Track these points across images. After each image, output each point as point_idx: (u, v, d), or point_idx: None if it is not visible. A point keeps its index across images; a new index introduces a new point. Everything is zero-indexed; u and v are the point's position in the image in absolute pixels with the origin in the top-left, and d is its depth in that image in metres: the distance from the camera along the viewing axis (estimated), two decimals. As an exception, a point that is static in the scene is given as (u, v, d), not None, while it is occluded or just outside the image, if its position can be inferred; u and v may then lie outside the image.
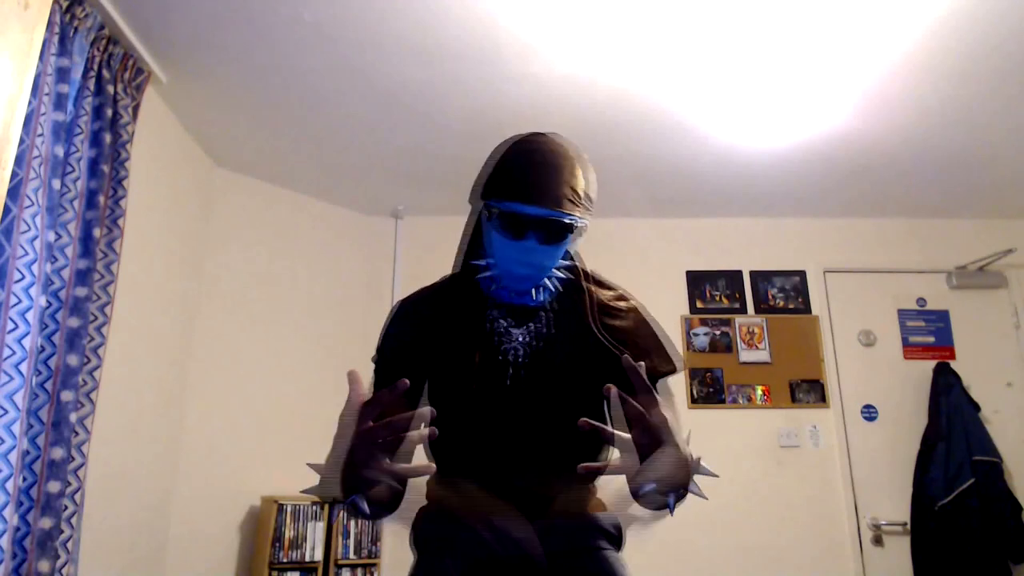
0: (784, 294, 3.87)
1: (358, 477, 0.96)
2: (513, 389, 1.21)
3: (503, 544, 1.19)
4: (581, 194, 1.18)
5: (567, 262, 1.27)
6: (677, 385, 3.70)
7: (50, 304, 2.11)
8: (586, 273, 1.31)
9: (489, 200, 1.20)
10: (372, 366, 1.32)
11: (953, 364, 3.62)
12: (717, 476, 1.03)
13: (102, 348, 2.28)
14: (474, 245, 1.28)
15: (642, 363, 0.96)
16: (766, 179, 3.52)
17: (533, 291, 1.24)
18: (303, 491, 1.07)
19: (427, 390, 1.28)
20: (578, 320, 1.25)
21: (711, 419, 3.64)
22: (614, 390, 0.95)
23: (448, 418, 1.23)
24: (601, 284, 1.32)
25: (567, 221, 1.16)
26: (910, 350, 3.74)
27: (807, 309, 3.84)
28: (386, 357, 1.30)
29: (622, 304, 1.30)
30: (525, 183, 1.16)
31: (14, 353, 1.84)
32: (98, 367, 2.26)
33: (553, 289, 1.26)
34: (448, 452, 1.26)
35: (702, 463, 1.04)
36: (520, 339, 1.23)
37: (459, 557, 1.20)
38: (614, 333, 1.25)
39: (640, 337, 1.26)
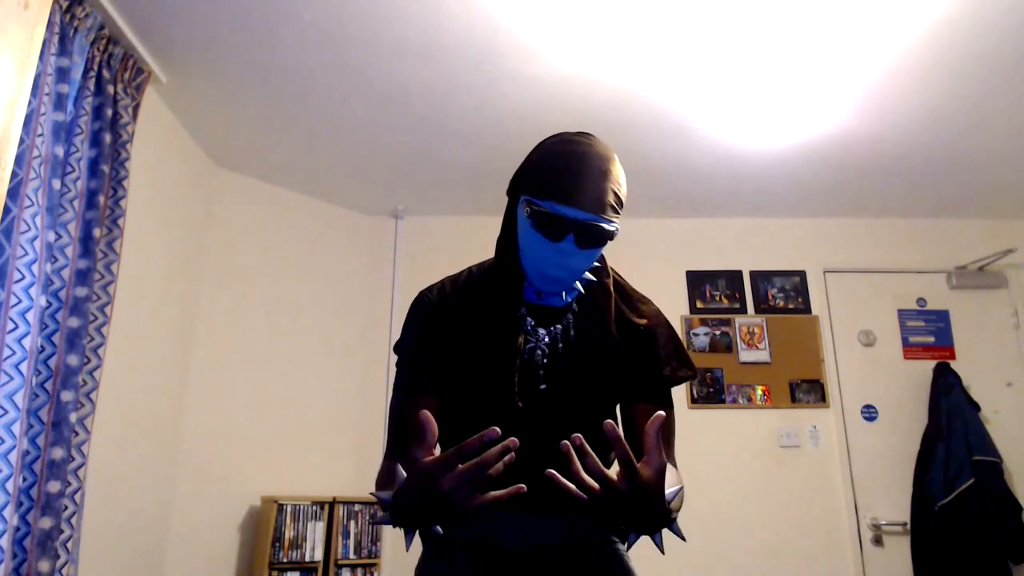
0: (784, 294, 3.87)
1: (451, 510, 0.90)
2: (544, 391, 1.20)
3: (509, 535, 1.19)
4: (620, 199, 1.16)
5: (595, 264, 1.26)
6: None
7: (50, 304, 2.11)
8: (613, 275, 1.30)
9: (529, 196, 1.14)
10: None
11: (953, 364, 3.61)
12: (684, 540, 1.02)
13: (102, 348, 2.28)
14: (507, 241, 1.23)
15: (613, 424, 0.87)
16: (766, 179, 3.52)
17: (561, 293, 1.23)
18: (372, 494, 1.04)
19: (456, 388, 1.25)
20: (600, 325, 1.24)
21: (711, 419, 3.64)
22: (611, 430, 0.87)
23: (471, 418, 1.23)
24: (624, 287, 1.31)
25: (608, 228, 1.12)
26: (910, 350, 3.74)
27: (807, 309, 3.84)
28: (411, 356, 1.26)
29: (644, 308, 1.29)
30: (570, 183, 1.10)
31: (14, 353, 1.84)
32: (98, 367, 2.27)
33: (579, 291, 1.25)
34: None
35: (677, 523, 1.00)
36: (545, 340, 1.22)
37: (468, 547, 1.20)
38: (635, 337, 1.24)
39: (661, 342, 1.26)
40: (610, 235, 1.14)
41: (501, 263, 1.24)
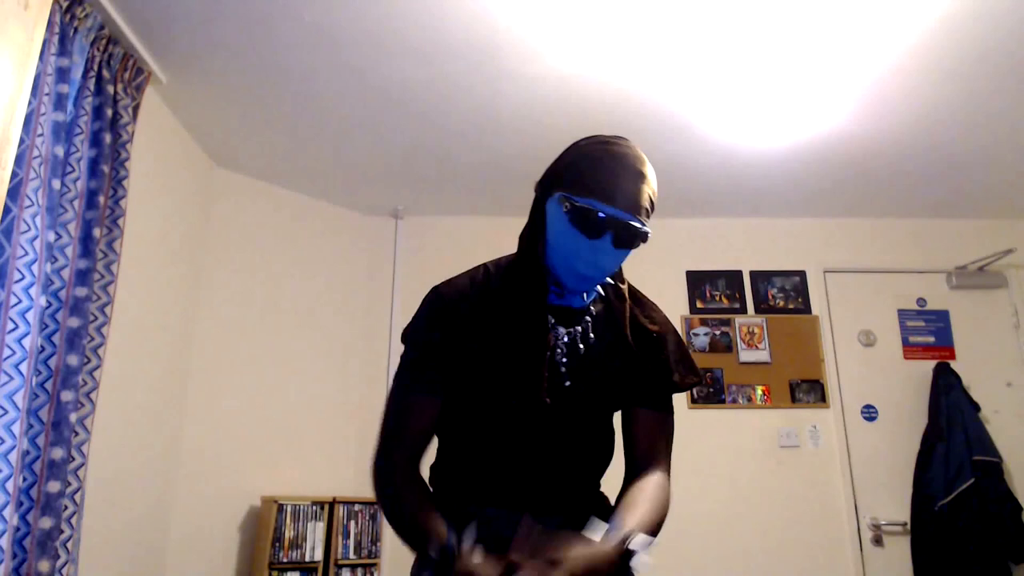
0: (784, 294, 3.87)
1: None
2: (563, 392, 1.21)
3: (509, 524, 1.20)
4: (654, 205, 1.18)
5: None
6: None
7: (50, 304, 2.11)
8: (628, 283, 1.32)
9: (567, 192, 1.15)
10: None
11: (953, 364, 3.61)
12: (647, 571, 1.05)
13: (102, 348, 2.28)
14: (534, 236, 1.23)
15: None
16: (766, 179, 3.52)
17: (584, 293, 1.24)
18: None
19: (461, 386, 1.23)
20: (616, 328, 1.26)
21: (711, 419, 3.65)
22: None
23: (495, 415, 1.22)
24: (636, 293, 1.33)
25: (642, 230, 1.14)
26: (910, 350, 3.74)
27: (807, 309, 3.84)
28: (420, 351, 1.23)
29: (655, 315, 1.32)
30: (611, 183, 1.12)
31: (14, 353, 1.84)
32: (98, 367, 2.27)
33: (599, 294, 1.27)
34: (469, 458, 1.26)
35: (637, 557, 1.04)
36: (564, 339, 1.23)
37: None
38: (647, 342, 1.26)
39: (670, 348, 1.29)
40: (644, 237, 1.15)
41: (527, 259, 1.22)
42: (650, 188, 1.16)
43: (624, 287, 1.30)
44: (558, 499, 1.22)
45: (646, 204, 1.15)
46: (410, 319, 1.26)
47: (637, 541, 1.04)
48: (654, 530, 1.13)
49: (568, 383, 1.21)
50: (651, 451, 1.25)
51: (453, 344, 1.21)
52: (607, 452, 1.30)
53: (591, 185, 1.12)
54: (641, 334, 1.27)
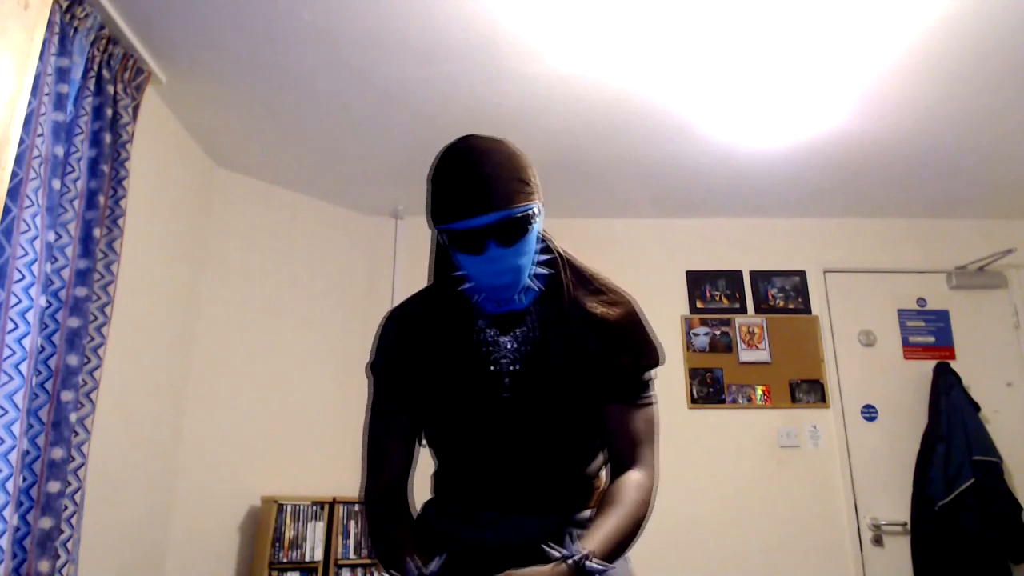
0: (784, 294, 3.87)
1: None
2: (509, 399, 1.20)
3: (490, 536, 1.19)
4: (521, 180, 1.12)
5: (546, 256, 1.22)
6: (677, 386, 3.70)
7: (50, 304, 2.11)
8: (569, 264, 1.25)
9: (439, 225, 1.14)
10: (371, 368, 1.32)
11: (953, 364, 3.61)
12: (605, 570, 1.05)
13: (102, 348, 2.28)
14: (446, 260, 1.24)
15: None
16: (766, 179, 3.52)
17: (517, 296, 1.21)
18: None
19: (428, 405, 1.27)
20: (561, 319, 1.22)
21: (711, 419, 3.64)
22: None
23: (448, 433, 1.25)
24: (584, 275, 1.27)
25: (519, 215, 1.10)
26: (910, 350, 3.74)
27: (807, 309, 3.84)
28: (380, 376, 1.29)
29: (604, 297, 1.25)
30: (462, 196, 1.09)
31: (14, 353, 1.84)
32: (98, 367, 2.27)
33: (537, 289, 1.22)
34: (450, 465, 1.28)
35: (593, 563, 1.03)
36: (509, 347, 1.21)
37: (451, 549, 1.21)
38: (597, 327, 1.21)
39: (622, 331, 1.22)
40: (527, 220, 1.12)
41: (443, 288, 1.25)
42: (506, 172, 1.11)
43: (562, 272, 1.23)
44: (543, 499, 1.21)
45: (507, 191, 1.09)
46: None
47: (592, 566, 1.01)
48: (626, 537, 1.10)
49: (518, 385, 1.19)
50: (628, 447, 1.21)
51: (407, 361, 1.25)
52: (585, 448, 1.25)
53: (449, 209, 1.10)
54: (586, 319, 1.21)
